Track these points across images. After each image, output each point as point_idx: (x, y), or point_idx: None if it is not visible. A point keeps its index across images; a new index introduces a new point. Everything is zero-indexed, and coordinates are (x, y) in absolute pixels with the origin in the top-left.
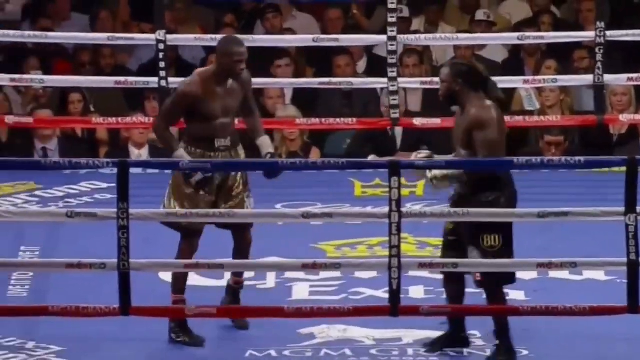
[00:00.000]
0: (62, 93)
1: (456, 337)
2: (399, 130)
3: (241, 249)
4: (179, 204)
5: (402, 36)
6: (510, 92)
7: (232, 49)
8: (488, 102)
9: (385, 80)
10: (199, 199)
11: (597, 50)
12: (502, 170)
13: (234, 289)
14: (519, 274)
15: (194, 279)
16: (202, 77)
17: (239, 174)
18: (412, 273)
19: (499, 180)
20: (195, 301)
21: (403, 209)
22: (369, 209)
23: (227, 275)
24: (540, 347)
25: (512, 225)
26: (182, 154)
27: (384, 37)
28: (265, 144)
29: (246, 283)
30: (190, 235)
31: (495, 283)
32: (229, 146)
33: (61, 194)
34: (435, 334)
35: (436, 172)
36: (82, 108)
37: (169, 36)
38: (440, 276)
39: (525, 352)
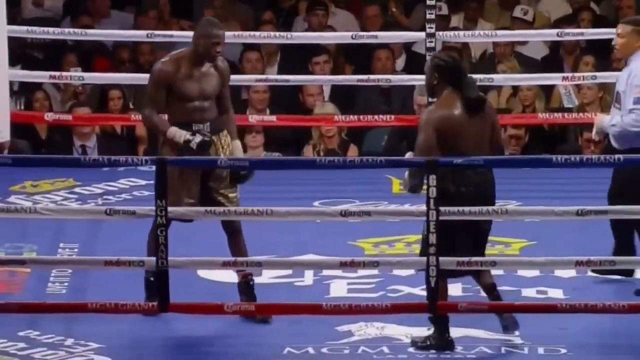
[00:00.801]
0: (102, 90)
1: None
2: None
3: (237, 251)
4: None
5: (440, 33)
6: (550, 89)
7: (211, 30)
8: (453, 104)
9: (423, 77)
10: (183, 183)
11: None
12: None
13: (245, 283)
14: (558, 272)
15: (230, 276)
16: (175, 56)
17: (228, 149)
18: None
19: (454, 176)
20: (233, 298)
21: (441, 207)
22: (406, 207)
23: (265, 273)
24: (578, 346)
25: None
26: (174, 132)
27: (422, 34)
28: (235, 148)
29: (284, 280)
30: None
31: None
32: (208, 132)
33: (100, 190)
34: (474, 332)
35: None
36: (122, 105)
37: None
38: None
39: (563, 351)
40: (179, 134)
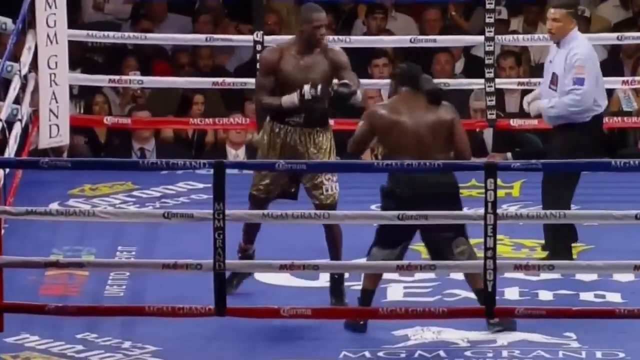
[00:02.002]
0: (183, 95)
1: None
2: (488, 132)
3: (329, 233)
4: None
5: (499, 36)
6: (609, 92)
7: (311, 15)
8: (401, 101)
9: (482, 81)
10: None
11: None
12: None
13: (335, 280)
14: (616, 276)
15: (288, 280)
16: (281, 46)
17: (322, 149)
18: (507, 275)
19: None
20: (289, 302)
21: (499, 211)
22: (464, 211)
23: (322, 276)
24: (637, 350)
25: None
26: (287, 99)
27: (481, 38)
28: (350, 78)
29: None
30: (255, 203)
31: None
32: (301, 123)
33: (158, 194)
34: (531, 336)
35: None
36: (205, 109)
37: (267, 37)
38: (536, 278)
39: (621, 355)
40: (292, 98)
